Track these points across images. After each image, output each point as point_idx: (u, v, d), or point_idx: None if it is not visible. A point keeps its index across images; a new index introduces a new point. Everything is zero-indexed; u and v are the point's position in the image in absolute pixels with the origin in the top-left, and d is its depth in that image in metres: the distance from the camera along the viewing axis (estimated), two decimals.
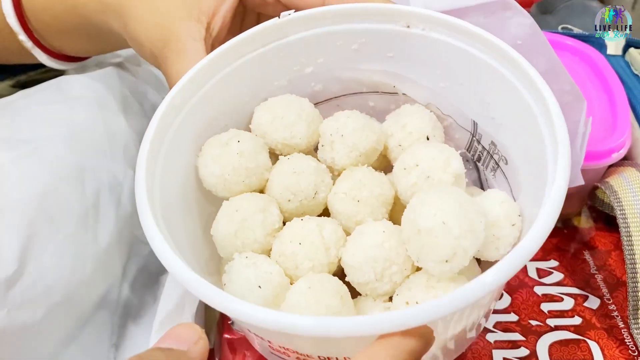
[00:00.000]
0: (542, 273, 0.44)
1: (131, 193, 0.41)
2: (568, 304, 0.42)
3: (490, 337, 0.40)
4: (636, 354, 0.38)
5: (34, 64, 0.49)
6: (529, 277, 0.44)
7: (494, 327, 0.41)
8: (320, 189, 0.34)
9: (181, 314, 0.36)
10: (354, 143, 0.34)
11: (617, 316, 0.41)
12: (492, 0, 0.37)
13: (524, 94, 0.30)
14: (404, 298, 0.29)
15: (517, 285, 0.43)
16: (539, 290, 0.43)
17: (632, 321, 0.39)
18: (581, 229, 0.48)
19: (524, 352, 0.39)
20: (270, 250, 0.33)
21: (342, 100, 0.40)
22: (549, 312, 0.41)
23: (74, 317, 0.38)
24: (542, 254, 0.46)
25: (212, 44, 0.39)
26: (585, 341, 0.39)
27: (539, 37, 0.37)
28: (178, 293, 0.37)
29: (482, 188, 0.38)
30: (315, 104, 0.39)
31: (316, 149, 0.36)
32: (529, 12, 0.49)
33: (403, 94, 0.38)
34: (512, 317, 0.41)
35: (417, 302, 0.28)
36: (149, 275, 0.45)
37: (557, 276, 0.44)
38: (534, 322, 0.41)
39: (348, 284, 0.31)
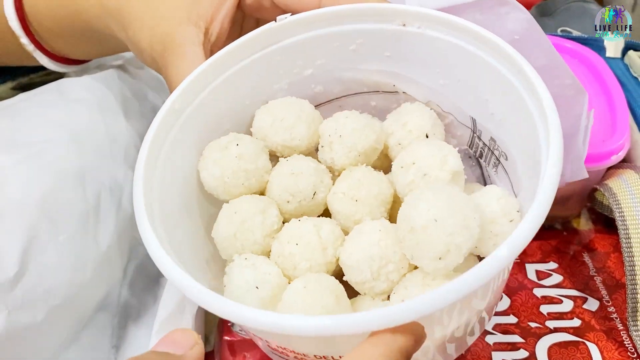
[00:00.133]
0: (541, 275, 0.44)
1: (132, 195, 0.41)
2: (567, 306, 0.42)
3: (490, 339, 0.40)
4: (635, 356, 0.38)
5: (35, 67, 0.49)
6: (528, 279, 0.44)
7: (493, 329, 0.41)
8: (320, 189, 0.34)
9: (181, 316, 0.37)
10: (353, 143, 0.34)
11: (616, 318, 0.41)
12: None
13: (520, 90, 0.31)
14: (400, 296, 0.29)
15: (517, 287, 0.43)
16: (538, 292, 0.43)
17: (631, 323, 0.39)
18: (580, 231, 0.48)
19: (523, 354, 0.39)
20: (270, 251, 0.33)
21: (343, 101, 0.40)
22: (548, 314, 0.41)
23: (75, 318, 0.38)
24: (542, 256, 0.46)
25: (211, 49, 0.39)
26: (584, 343, 0.40)
27: (537, 32, 0.36)
28: (178, 294, 0.37)
29: (485, 184, 0.38)
30: (317, 106, 0.39)
31: (317, 149, 0.37)
32: None
33: (403, 92, 0.38)
34: (512, 319, 0.41)
35: None
36: (149, 277, 0.45)
37: (557, 278, 0.44)
38: (533, 324, 0.41)
39: (347, 283, 0.31)
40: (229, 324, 0.41)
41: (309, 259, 0.31)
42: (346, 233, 0.33)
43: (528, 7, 0.66)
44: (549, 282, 0.44)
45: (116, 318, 0.42)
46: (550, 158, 0.27)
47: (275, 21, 0.36)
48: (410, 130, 0.35)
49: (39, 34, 0.44)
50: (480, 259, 0.33)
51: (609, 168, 0.46)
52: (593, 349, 0.39)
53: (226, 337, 0.41)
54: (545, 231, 0.47)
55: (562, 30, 0.59)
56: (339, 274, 0.32)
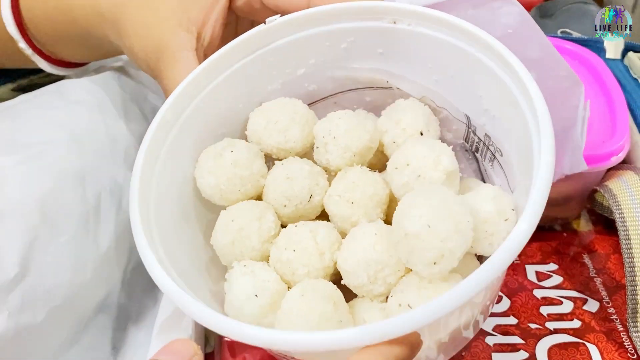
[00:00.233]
0: (541, 276, 0.44)
1: None
2: (567, 307, 0.42)
3: (490, 340, 0.40)
4: (635, 357, 0.39)
5: (35, 68, 0.49)
6: (528, 280, 0.44)
7: (493, 330, 0.41)
8: (315, 192, 0.34)
9: (182, 317, 0.37)
10: (347, 144, 0.34)
11: (616, 319, 0.41)
12: None
13: (511, 87, 0.31)
14: (397, 300, 0.29)
15: (517, 289, 0.43)
16: (538, 293, 0.43)
17: (631, 324, 0.39)
18: (580, 233, 0.48)
19: (523, 355, 0.39)
20: (269, 256, 0.33)
21: (338, 98, 0.40)
22: (548, 315, 0.42)
23: (75, 320, 0.38)
24: (542, 257, 0.46)
25: (205, 53, 0.39)
26: (584, 344, 0.40)
27: (530, 25, 0.36)
28: None
29: (482, 178, 0.38)
30: (311, 103, 0.39)
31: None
32: None
33: (397, 88, 0.38)
34: (512, 320, 0.41)
35: (409, 305, 0.28)
36: (149, 279, 0.44)
37: (557, 279, 0.44)
38: (533, 325, 0.41)
39: (346, 286, 0.31)
40: None
41: (306, 264, 0.32)
42: (344, 234, 0.33)
43: (528, 8, 0.66)
44: (549, 283, 0.44)
45: (116, 319, 0.42)
46: (543, 158, 0.27)
47: (265, 23, 0.36)
48: (404, 129, 0.35)
49: (36, 39, 0.45)
50: (477, 256, 0.33)
51: (609, 169, 0.46)
52: (593, 350, 0.39)
53: (226, 338, 0.41)
54: (545, 232, 0.48)
55: (562, 32, 0.59)
56: (338, 276, 0.32)
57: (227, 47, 0.36)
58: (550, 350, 0.39)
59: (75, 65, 0.49)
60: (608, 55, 0.54)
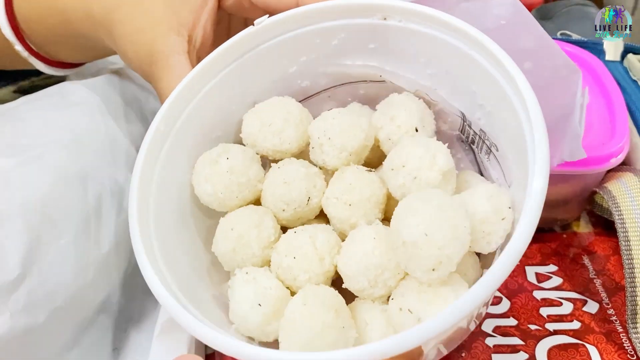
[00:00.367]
0: (541, 277, 0.44)
1: None
2: (567, 308, 0.42)
3: (490, 342, 0.40)
4: (635, 358, 0.39)
5: (35, 70, 0.50)
6: (528, 281, 0.44)
7: (493, 331, 0.41)
8: (313, 194, 0.34)
9: None
10: (342, 144, 0.34)
11: (616, 321, 0.41)
12: None
13: (502, 82, 0.31)
14: (398, 304, 0.29)
15: (516, 290, 0.43)
16: (538, 294, 0.43)
17: (631, 326, 0.39)
18: (580, 234, 0.48)
19: (523, 356, 0.39)
20: (270, 260, 0.33)
21: (332, 92, 0.40)
22: (548, 316, 0.42)
23: (76, 321, 0.38)
24: (541, 259, 0.46)
25: (198, 55, 0.39)
26: (584, 345, 0.40)
27: (524, 15, 0.36)
28: None
29: (479, 168, 0.38)
30: (305, 98, 0.39)
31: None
32: None
33: (391, 82, 0.38)
34: (511, 322, 0.41)
35: (410, 310, 0.28)
36: None
37: (556, 281, 0.44)
38: (533, 327, 0.41)
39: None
40: None
41: (307, 270, 0.32)
42: (343, 236, 0.33)
43: (528, 10, 0.66)
44: (549, 284, 0.44)
45: (117, 320, 0.42)
46: (537, 165, 0.27)
47: (254, 25, 0.36)
48: (399, 126, 0.35)
49: (32, 41, 0.45)
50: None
51: (609, 171, 0.46)
52: (593, 351, 0.39)
53: None
54: (545, 234, 0.48)
55: (561, 34, 0.59)
56: (338, 276, 0.32)
57: (217, 52, 0.36)
58: (550, 351, 0.39)
59: (72, 66, 0.49)
60: (607, 57, 0.54)
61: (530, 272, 0.45)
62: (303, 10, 0.35)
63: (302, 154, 0.37)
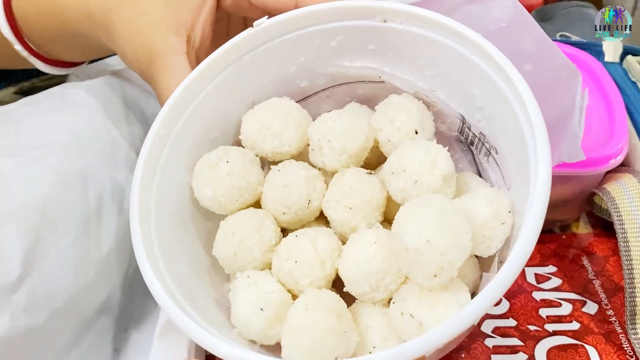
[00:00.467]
0: (540, 278, 0.45)
1: None
2: (566, 309, 0.42)
3: (489, 342, 0.40)
4: (634, 359, 0.39)
5: (36, 71, 0.50)
6: (528, 282, 0.44)
7: (493, 332, 0.41)
8: (313, 197, 0.34)
9: None
10: (342, 147, 0.34)
11: (615, 321, 0.41)
12: None
13: (502, 86, 0.31)
14: (399, 308, 0.29)
15: (516, 291, 0.43)
16: (538, 295, 0.43)
17: (630, 326, 0.39)
18: (579, 235, 0.48)
19: (522, 357, 0.39)
20: (271, 263, 0.33)
21: (331, 91, 0.40)
22: (547, 317, 0.42)
23: (77, 322, 0.38)
24: (541, 260, 0.46)
25: (197, 55, 0.39)
26: (583, 346, 0.40)
27: (524, 17, 0.36)
28: None
29: (477, 169, 0.38)
30: (304, 98, 0.39)
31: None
32: None
33: (390, 82, 0.38)
34: (511, 322, 0.41)
35: (411, 315, 0.29)
36: None
37: (556, 282, 0.44)
38: (532, 327, 0.41)
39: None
40: None
41: (308, 274, 0.32)
42: (344, 238, 0.33)
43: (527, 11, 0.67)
44: (548, 285, 0.44)
45: (117, 321, 0.42)
46: (539, 176, 0.27)
47: (252, 27, 0.36)
48: (398, 128, 0.35)
49: (31, 40, 0.45)
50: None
51: (608, 172, 0.46)
52: (592, 352, 0.39)
53: None
54: (545, 235, 0.48)
55: (561, 35, 0.59)
56: (338, 280, 0.32)
57: (216, 54, 0.36)
58: (549, 352, 0.39)
59: (72, 65, 0.49)
60: (607, 58, 0.55)
61: (530, 273, 0.45)
62: (303, 11, 0.35)
63: (301, 154, 0.37)
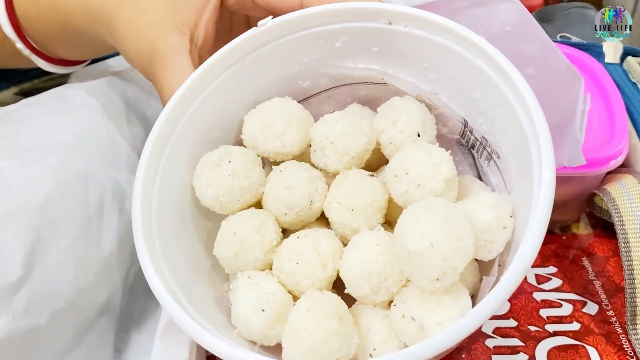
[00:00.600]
0: (540, 279, 0.45)
1: None
2: (567, 309, 0.42)
3: (490, 343, 0.40)
4: (634, 359, 0.39)
5: (37, 72, 0.50)
6: (528, 283, 0.44)
7: (493, 332, 0.41)
8: (315, 198, 0.34)
9: None
10: (345, 148, 0.34)
11: (616, 322, 0.41)
12: None
13: (506, 91, 0.31)
14: (400, 311, 0.29)
15: (516, 292, 0.43)
16: (538, 296, 0.43)
17: (630, 327, 0.39)
18: (580, 236, 0.48)
19: (523, 357, 0.39)
20: (272, 264, 0.33)
21: (332, 92, 0.40)
22: (548, 317, 0.42)
23: (78, 322, 0.38)
24: (541, 260, 0.46)
25: (200, 54, 0.39)
26: (583, 347, 0.40)
27: (529, 22, 0.36)
28: None
29: (478, 173, 0.38)
30: (305, 98, 0.39)
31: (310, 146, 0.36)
32: None
33: (392, 84, 0.38)
34: (511, 323, 0.41)
35: (412, 318, 0.29)
36: None
37: (556, 282, 0.44)
38: (532, 328, 0.41)
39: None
40: None
41: (310, 276, 0.32)
42: (345, 240, 0.33)
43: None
44: (549, 286, 0.44)
45: (119, 322, 0.42)
46: (543, 180, 0.27)
47: (257, 27, 0.36)
48: (401, 130, 0.35)
49: (33, 39, 0.45)
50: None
51: (608, 173, 0.46)
52: (592, 352, 0.39)
53: None
54: (545, 235, 0.47)
55: (561, 36, 0.59)
56: (337, 281, 0.32)
57: (219, 54, 0.35)
58: (549, 352, 0.39)
59: (74, 63, 0.49)
60: (607, 59, 0.55)
61: (530, 273, 0.45)
62: (308, 12, 0.35)
63: (303, 155, 0.37)
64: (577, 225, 0.49)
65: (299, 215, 0.34)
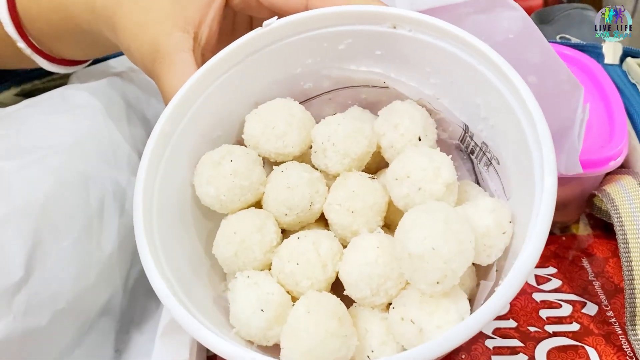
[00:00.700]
0: (540, 280, 0.45)
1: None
2: (566, 310, 0.42)
3: (489, 343, 0.40)
4: None
5: (38, 73, 0.50)
6: (528, 283, 0.44)
7: (493, 333, 0.41)
8: (316, 199, 0.34)
9: None
10: (346, 150, 0.34)
11: (615, 323, 0.41)
12: None
13: (509, 98, 0.31)
14: (399, 313, 0.30)
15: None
16: (538, 296, 0.43)
17: (630, 328, 0.39)
18: (579, 236, 0.48)
19: (522, 358, 0.39)
20: (271, 264, 0.33)
21: (334, 94, 0.40)
22: (548, 318, 0.42)
23: (78, 323, 0.38)
24: (541, 261, 0.46)
25: (203, 53, 0.39)
26: (583, 347, 0.40)
27: (532, 30, 0.36)
28: None
29: (476, 178, 0.38)
30: (306, 100, 0.39)
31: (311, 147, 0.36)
32: None
33: (394, 88, 0.38)
34: (511, 324, 0.42)
35: (412, 320, 0.29)
36: None
37: (556, 283, 0.44)
38: (532, 329, 0.41)
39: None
40: None
41: (309, 276, 0.32)
42: (344, 241, 0.34)
43: (527, 13, 0.67)
44: (548, 286, 0.44)
45: (119, 322, 0.42)
46: (545, 187, 0.28)
47: (262, 27, 0.35)
48: (402, 134, 0.35)
49: (35, 38, 0.45)
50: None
51: (607, 174, 0.47)
52: (592, 353, 0.39)
53: None
54: None
55: (560, 37, 0.59)
56: (336, 283, 0.33)
57: (223, 53, 0.35)
58: (549, 353, 0.40)
59: (75, 63, 0.49)
60: (606, 60, 0.55)
61: (530, 274, 0.45)
62: (314, 14, 0.35)
63: (303, 156, 0.37)
64: (577, 226, 0.49)
65: (299, 216, 0.34)
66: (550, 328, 0.41)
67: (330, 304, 0.30)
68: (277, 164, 0.36)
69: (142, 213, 0.31)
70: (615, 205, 0.42)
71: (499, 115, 0.32)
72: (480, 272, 0.33)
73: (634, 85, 0.53)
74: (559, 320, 0.42)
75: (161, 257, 0.31)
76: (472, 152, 0.37)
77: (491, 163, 0.35)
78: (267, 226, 0.34)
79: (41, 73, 0.50)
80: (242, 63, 0.36)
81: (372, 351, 0.31)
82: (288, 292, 0.32)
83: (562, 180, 0.44)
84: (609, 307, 0.42)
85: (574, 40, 0.58)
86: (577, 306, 0.42)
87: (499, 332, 0.41)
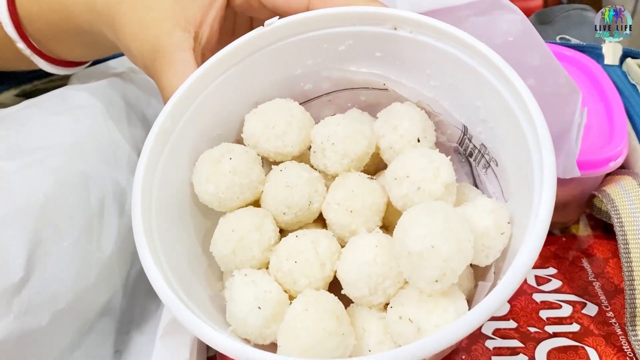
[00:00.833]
0: (540, 280, 0.45)
1: None
2: (566, 311, 0.42)
3: (489, 344, 0.40)
4: None
5: (38, 73, 0.50)
6: (528, 284, 0.44)
7: (493, 333, 0.41)
8: (314, 199, 0.34)
9: None
10: (345, 150, 0.34)
11: (615, 323, 0.41)
12: None
13: (509, 100, 0.31)
14: (397, 313, 0.29)
15: (516, 293, 0.43)
16: (538, 297, 0.43)
17: (630, 328, 0.39)
18: (579, 237, 0.48)
19: (522, 358, 0.39)
20: (269, 262, 0.33)
21: (333, 96, 0.40)
22: (548, 319, 0.42)
23: (78, 323, 0.38)
24: (541, 262, 0.46)
25: (203, 52, 0.39)
26: (583, 348, 0.40)
27: (531, 33, 0.37)
28: None
29: (474, 181, 0.38)
30: (306, 101, 0.39)
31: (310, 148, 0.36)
32: None
33: (394, 90, 0.38)
34: (511, 324, 0.42)
35: (410, 319, 0.29)
36: None
37: (556, 283, 0.44)
38: (532, 329, 0.41)
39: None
40: None
41: (307, 275, 0.32)
42: (342, 241, 0.34)
43: (527, 14, 0.67)
44: (548, 287, 0.44)
45: (119, 323, 0.42)
46: (545, 188, 0.28)
47: (263, 26, 0.35)
48: (401, 135, 0.35)
49: (34, 38, 0.45)
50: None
51: (607, 174, 0.47)
52: (592, 353, 0.39)
53: None
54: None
55: (560, 38, 0.59)
56: (334, 282, 0.33)
57: (223, 52, 0.35)
58: (549, 353, 0.40)
59: (75, 64, 0.49)
60: (606, 61, 0.55)
61: (530, 274, 0.45)
62: (315, 14, 0.35)
63: (302, 156, 0.37)
64: (577, 227, 0.49)
65: (298, 215, 0.34)
66: (550, 329, 0.41)
67: (328, 302, 0.30)
68: (276, 163, 0.36)
69: (141, 211, 0.31)
70: (615, 206, 0.42)
71: (499, 117, 0.32)
72: (478, 273, 0.34)
73: (633, 86, 0.53)
74: (559, 321, 0.42)
75: (160, 254, 0.31)
76: (471, 154, 0.37)
77: (490, 165, 0.35)
78: (265, 225, 0.34)
79: (41, 74, 0.50)
80: (243, 62, 0.36)
81: (370, 350, 0.31)
82: (285, 291, 0.32)
83: (562, 181, 0.44)
84: (609, 308, 0.42)
85: (574, 41, 0.58)
86: (577, 307, 0.42)
87: (499, 333, 0.41)
